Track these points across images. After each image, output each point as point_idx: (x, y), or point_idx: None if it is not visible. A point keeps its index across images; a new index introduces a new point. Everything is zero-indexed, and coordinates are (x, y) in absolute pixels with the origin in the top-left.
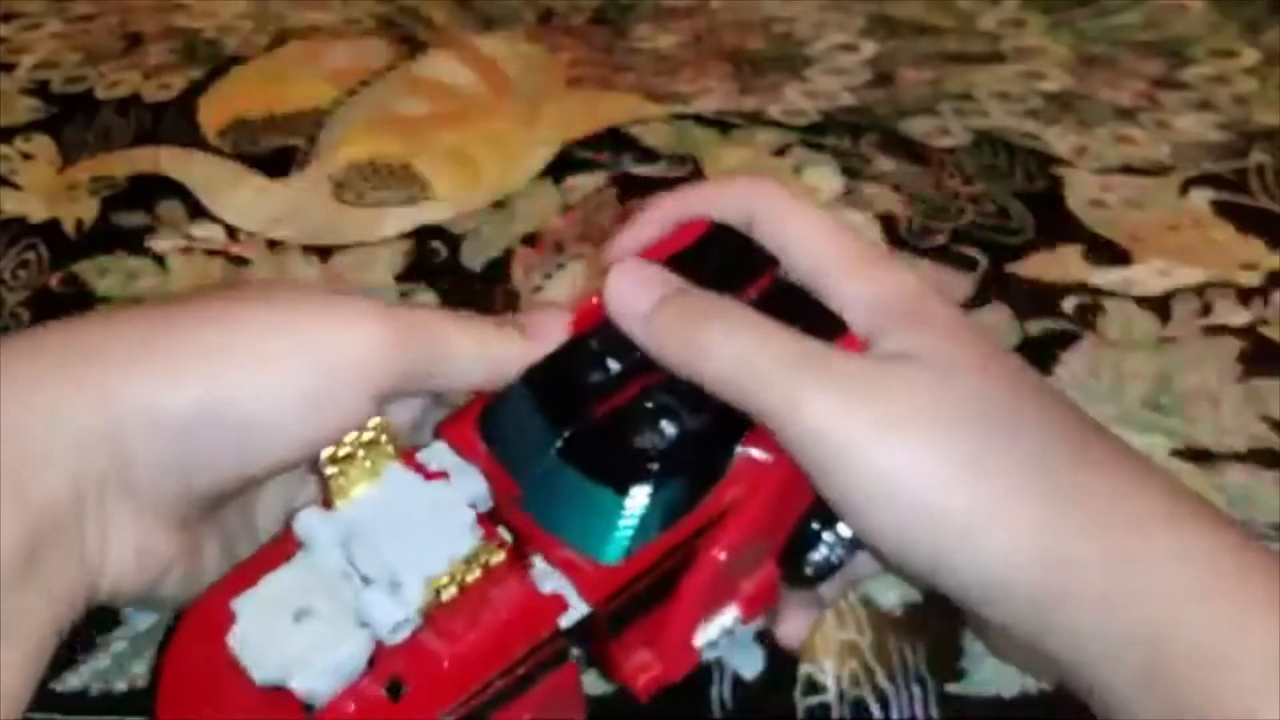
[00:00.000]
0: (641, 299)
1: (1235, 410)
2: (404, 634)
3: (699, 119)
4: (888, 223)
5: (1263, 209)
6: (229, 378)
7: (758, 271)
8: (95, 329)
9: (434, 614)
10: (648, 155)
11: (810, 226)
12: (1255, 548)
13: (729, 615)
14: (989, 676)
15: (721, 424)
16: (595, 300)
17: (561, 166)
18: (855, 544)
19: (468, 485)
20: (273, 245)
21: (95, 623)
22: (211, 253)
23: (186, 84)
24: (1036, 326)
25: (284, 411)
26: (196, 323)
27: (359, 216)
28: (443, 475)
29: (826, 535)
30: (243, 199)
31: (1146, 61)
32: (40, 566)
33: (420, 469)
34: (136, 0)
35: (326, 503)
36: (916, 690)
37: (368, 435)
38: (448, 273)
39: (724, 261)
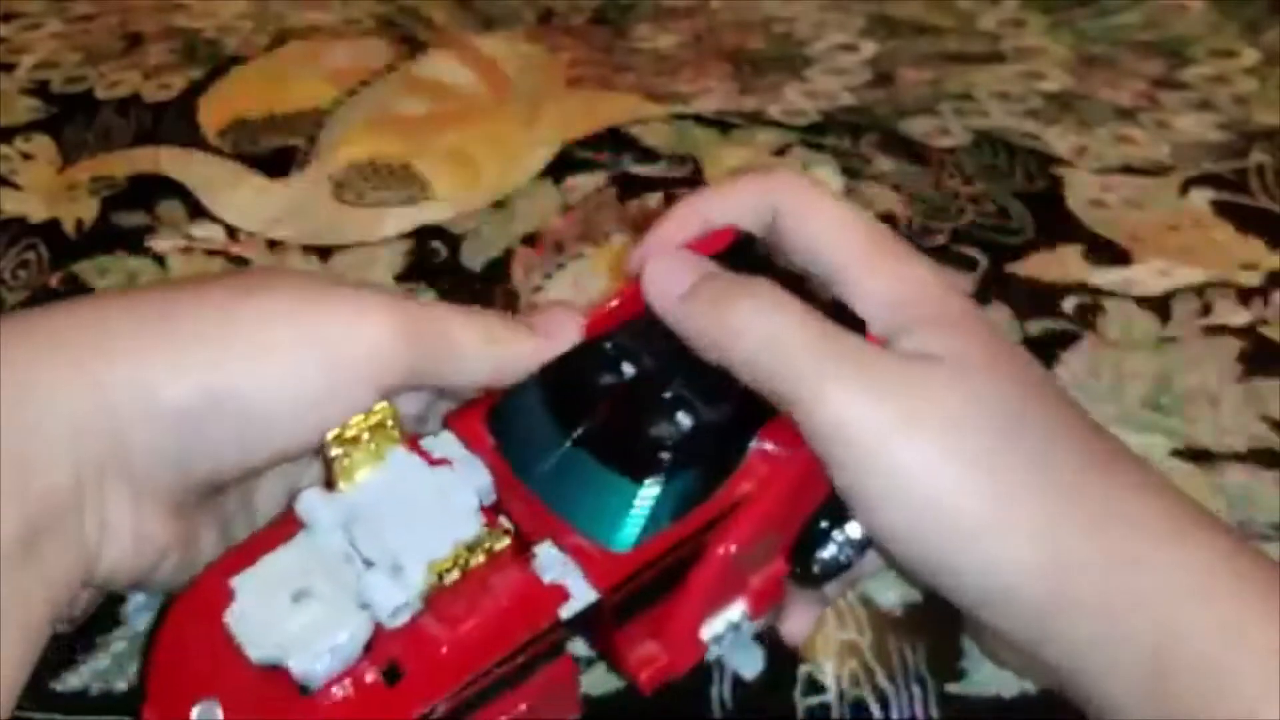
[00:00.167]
0: (678, 282)
1: (1235, 410)
2: (404, 618)
3: (699, 119)
4: (888, 223)
5: (1263, 209)
6: (230, 367)
7: (782, 283)
8: (94, 313)
9: (435, 599)
10: (648, 155)
11: (832, 221)
12: (1254, 554)
13: (736, 610)
14: (989, 676)
15: (737, 418)
16: (611, 305)
17: (561, 166)
18: (864, 545)
19: (472, 475)
20: (273, 245)
21: (95, 623)
22: (211, 253)
23: (186, 84)
24: (1036, 326)
25: (286, 403)
26: (198, 309)
27: (359, 216)
28: (446, 463)
29: (836, 534)
30: (243, 199)
31: (1146, 61)
32: (38, 552)
33: (425, 455)
34: (136, 0)
35: (329, 484)
36: (916, 690)
37: (374, 419)
38: (448, 273)
39: (749, 270)
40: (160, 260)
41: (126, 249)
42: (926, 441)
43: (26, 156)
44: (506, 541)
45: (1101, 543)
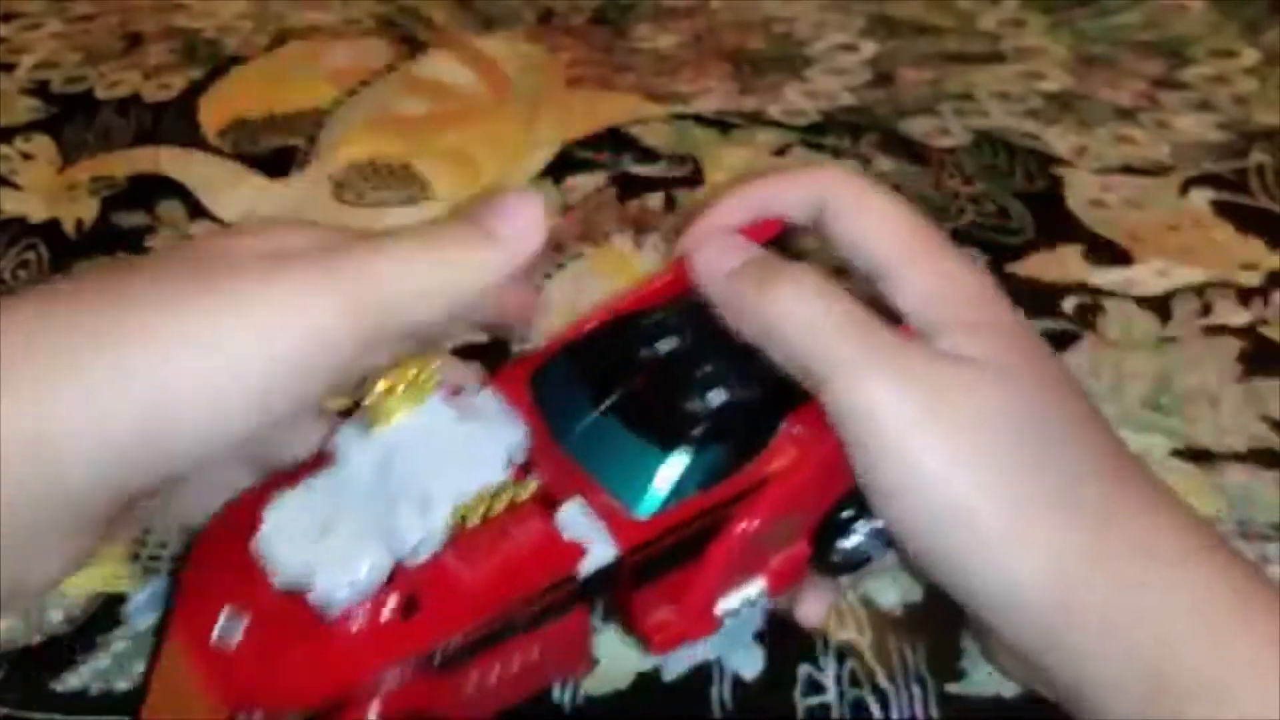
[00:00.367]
0: (726, 260)
1: (1235, 410)
2: (426, 554)
3: (699, 119)
4: None
5: (1263, 209)
6: (178, 385)
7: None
8: (39, 325)
9: (457, 540)
10: (648, 155)
11: (880, 217)
12: (1263, 583)
13: (755, 587)
14: (989, 677)
15: (768, 400)
16: (656, 282)
17: (561, 166)
18: (888, 539)
19: (507, 430)
20: None
21: (95, 623)
22: None
23: (186, 84)
24: (1037, 326)
25: (231, 410)
26: (153, 305)
27: (359, 216)
28: (482, 417)
29: (860, 525)
30: (243, 199)
31: (1146, 61)
32: None
33: (462, 408)
34: (136, 0)
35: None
36: (916, 690)
37: (415, 366)
38: None
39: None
40: None
41: (126, 249)
42: (947, 440)
43: (26, 156)
44: (532, 489)
45: (1108, 562)
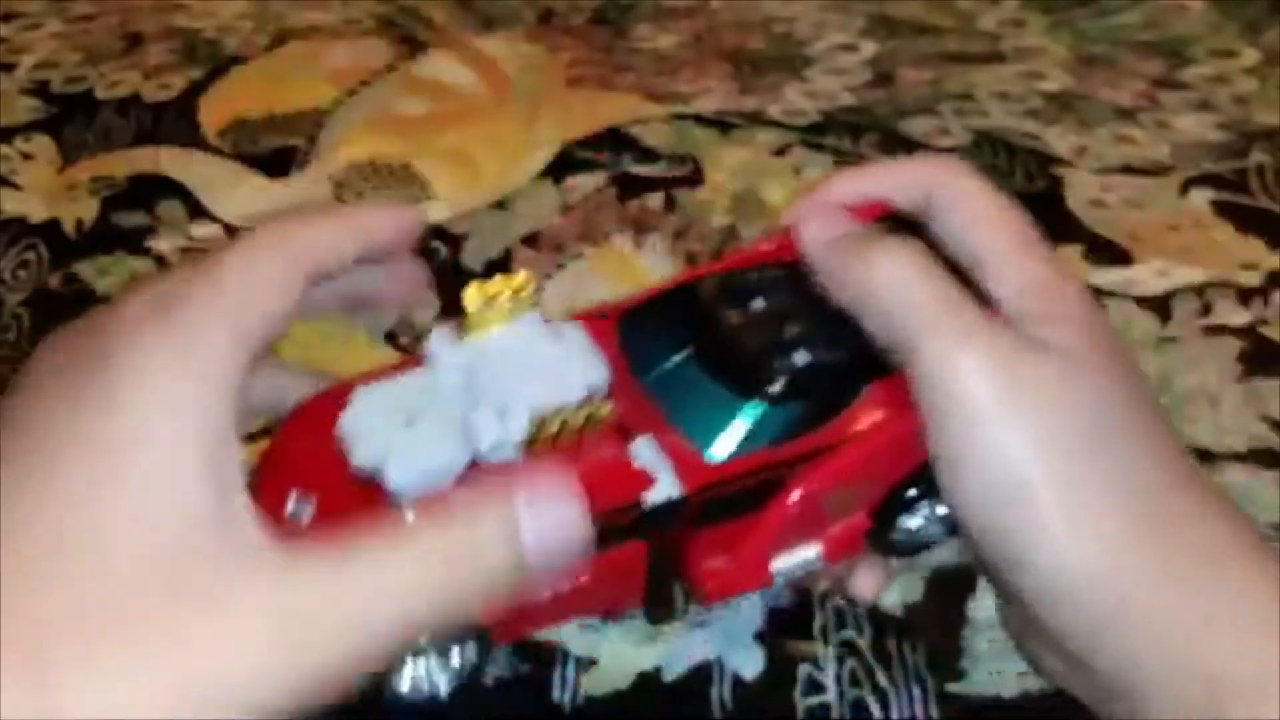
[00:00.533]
0: (830, 230)
1: (1235, 410)
2: (499, 456)
3: (699, 119)
4: None
5: (1263, 209)
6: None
7: None
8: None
9: (531, 449)
10: (648, 155)
11: (983, 210)
12: None
13: (811, 550)
14: (989, 677)
15: (852, 367)
16: (759, 247)
17: (561, 166)
18: (950, 527)
19: (591, 361)
20: None
21: None
22: None
23: (186, 84)
24: None
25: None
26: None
27: None
28: (570, 346)
29: (924, 506)
30: (243, 199)
31: (1146, 61)
32: None
33: (552, 332)
34: (136, 0)
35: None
36: (916, 690)
37: (515, 282)
38: (448, 273)
39: None
40: (160, 260)
41: (126, 249)
42: (1021, 418)
43: (26, 156)
44: (609, 408)
45: (1166, 560)
